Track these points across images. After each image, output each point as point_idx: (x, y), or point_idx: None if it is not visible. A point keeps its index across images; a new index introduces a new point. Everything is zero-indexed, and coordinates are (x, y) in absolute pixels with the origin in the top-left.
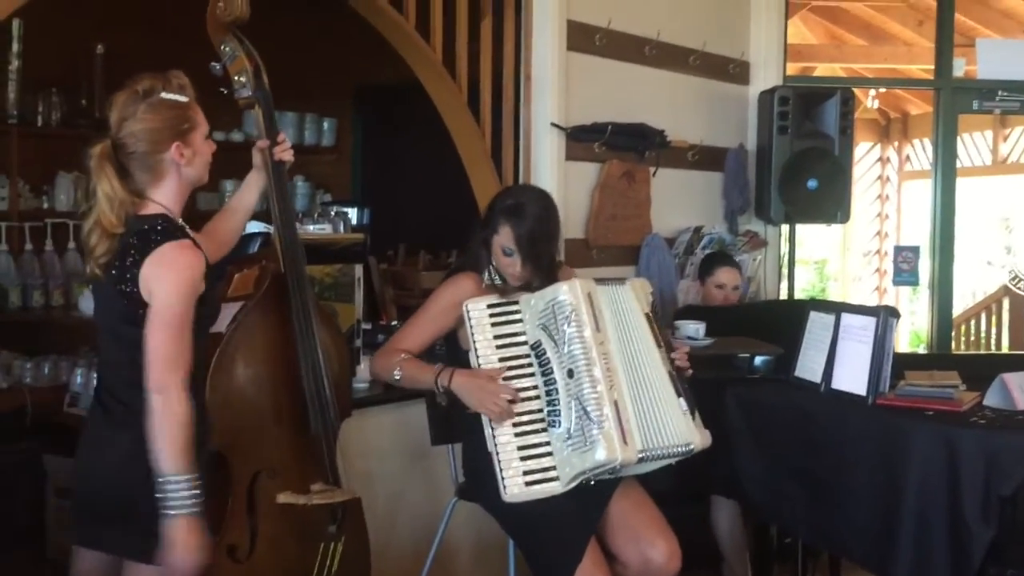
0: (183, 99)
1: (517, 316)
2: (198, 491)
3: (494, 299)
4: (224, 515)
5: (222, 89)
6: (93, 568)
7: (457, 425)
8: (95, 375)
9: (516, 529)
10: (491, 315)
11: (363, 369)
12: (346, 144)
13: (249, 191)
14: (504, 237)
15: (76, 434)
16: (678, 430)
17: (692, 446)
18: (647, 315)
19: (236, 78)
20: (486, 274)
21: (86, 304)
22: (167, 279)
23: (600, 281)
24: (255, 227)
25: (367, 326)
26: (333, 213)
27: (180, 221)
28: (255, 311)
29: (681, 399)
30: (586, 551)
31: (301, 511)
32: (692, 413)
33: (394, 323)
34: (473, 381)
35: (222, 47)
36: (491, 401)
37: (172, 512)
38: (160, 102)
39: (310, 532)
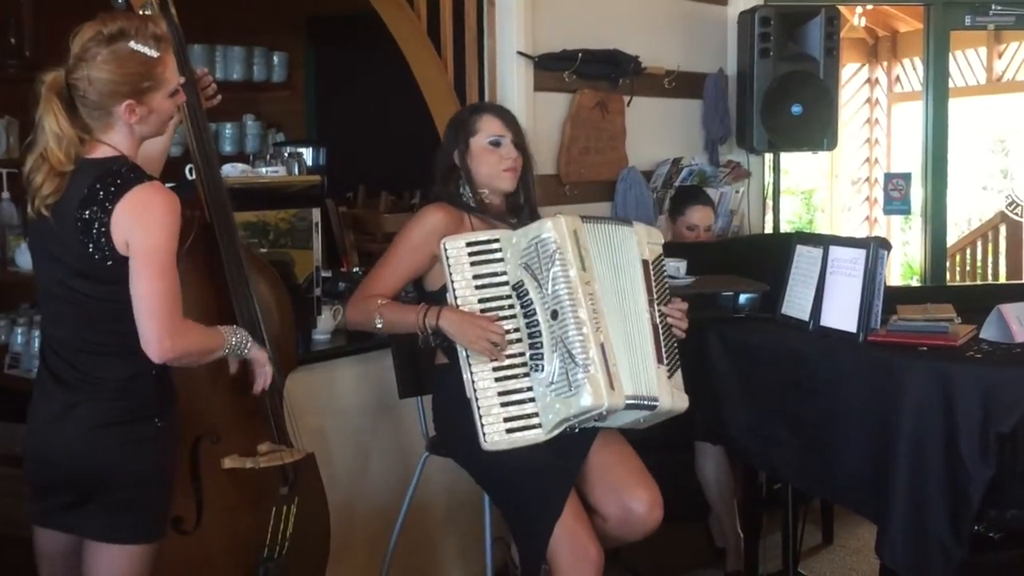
0: (153, 54)
1: (498, 255)
2: (245, 335)
3: (473, 236)
4: None
5: None
6: (55, 548)
7: (426, 376)
8: (37, 334)
9: (491, 484)
10: (470, 253)
11: (324, 319)
12: (298, 80)
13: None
14: (488, 127)
15: (17, 397)
16: (651, 381)
17: (657, 403)
18: (644, 262)
19: (140, 12)
20: (467, 197)
21: (22, 258)
22: (150, 223)
23: (598, 219)
24: None
25: (327, 274)
26: (287, 154)
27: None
28: (181, 265)
29: (655, 354)
30: (566, 504)
31: (249, 475)
32: (671, 372)
33: (356, 270)
34: (464, 315)
35: None
36: (485, 335)
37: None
38: (126, 53)
39: (261, 496)
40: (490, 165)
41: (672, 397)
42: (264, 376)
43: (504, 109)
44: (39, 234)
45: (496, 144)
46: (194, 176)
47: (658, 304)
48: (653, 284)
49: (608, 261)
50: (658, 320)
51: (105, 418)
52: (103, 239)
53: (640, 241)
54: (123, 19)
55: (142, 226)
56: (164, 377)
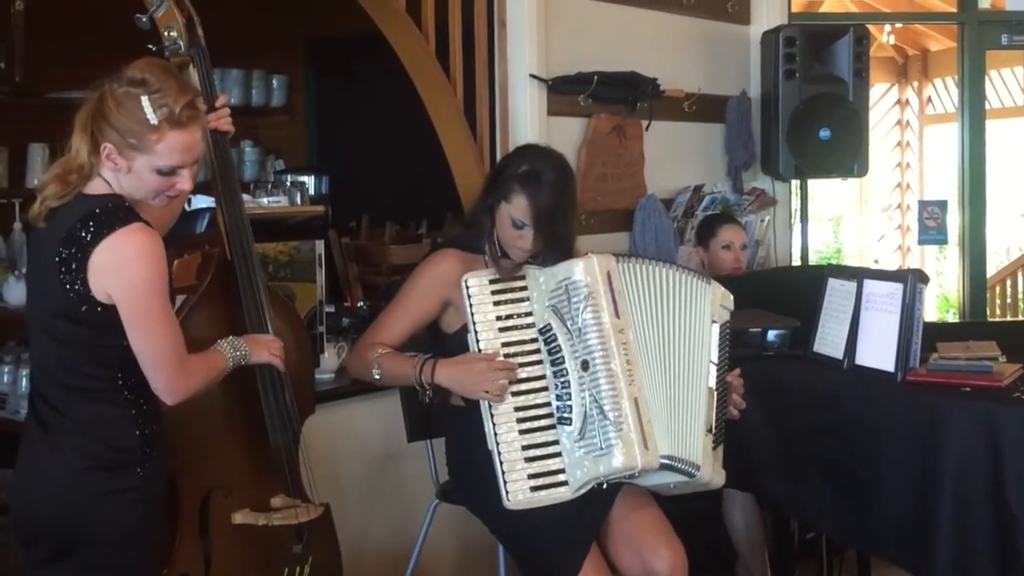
0: (152, 120)
1: (524, 294)
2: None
3: (496, 273)
4: (173, 541)
5: (150, 46)
6: None
7: (437, 418)
8: (25, 374)
9: (507, 536)
10: (493, 291)
11: (328, 358)
12: (299, 104)
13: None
14: (517, 208)
15: (3, 440)
16: (695, 447)
17: (698, 471)
18: (715, 322)
19: (166, 33)
20: (487, 248)
21: (10, 293)
22: (126, 274)
23: (636, 258)
24: (202, 202)
25: (330, 308)
26: (288, 183)
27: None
28: (200, 305)
29: (705, 420)
30: (587, 558)
31: (261, 532)
32: (716, 444)
33: (360, 304)
34: (461, 368)
35: None
36: (488, 383)
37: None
38: (132, 101)
39: (273, 554)
40: (508, 237)
41: (712, 469)
42: (277, 359)
43: (547, 191)
44: (32, 260)
45: (518, 227)
46: (193, 206)
47: (718, 370)
48: (717, 347)
49: (649, 305)
50: (714, 385)
51: (82, 463)
52: (79, 283)
53: (715, 300)
54: (161, 75)
55: (118, 278)
56: (148, 424)
